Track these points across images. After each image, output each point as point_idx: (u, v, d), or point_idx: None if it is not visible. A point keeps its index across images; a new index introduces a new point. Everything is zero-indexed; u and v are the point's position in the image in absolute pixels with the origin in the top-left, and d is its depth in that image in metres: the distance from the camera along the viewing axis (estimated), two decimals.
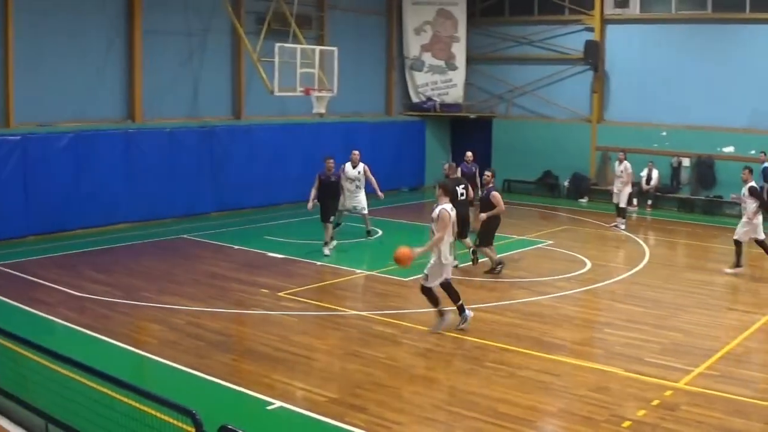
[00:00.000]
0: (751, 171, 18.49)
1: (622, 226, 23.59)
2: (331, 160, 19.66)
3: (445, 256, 13.17)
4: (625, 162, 23.42)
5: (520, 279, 17.33)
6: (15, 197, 19.90)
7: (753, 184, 18.15)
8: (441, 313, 13.35)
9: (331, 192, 19.46)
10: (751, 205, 17.89)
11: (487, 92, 32.90)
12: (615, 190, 23.84)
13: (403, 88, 32.97)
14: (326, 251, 19.18)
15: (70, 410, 8.11)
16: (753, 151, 25.99)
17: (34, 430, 8.64)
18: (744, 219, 18.06)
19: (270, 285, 16.37)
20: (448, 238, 13.21)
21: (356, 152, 20.57)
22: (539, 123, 31.38)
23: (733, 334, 13.51)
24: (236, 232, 21.57)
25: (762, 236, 18.08)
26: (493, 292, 16.31)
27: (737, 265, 18.05)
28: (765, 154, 25.19)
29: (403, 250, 13.10)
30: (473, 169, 22.58)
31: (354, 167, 20.30)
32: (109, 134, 21.97)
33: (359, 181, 20.26)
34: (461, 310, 13.43)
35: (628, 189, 23.78)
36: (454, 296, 13.46)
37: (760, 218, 18.04)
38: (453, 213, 13.25)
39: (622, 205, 23.75)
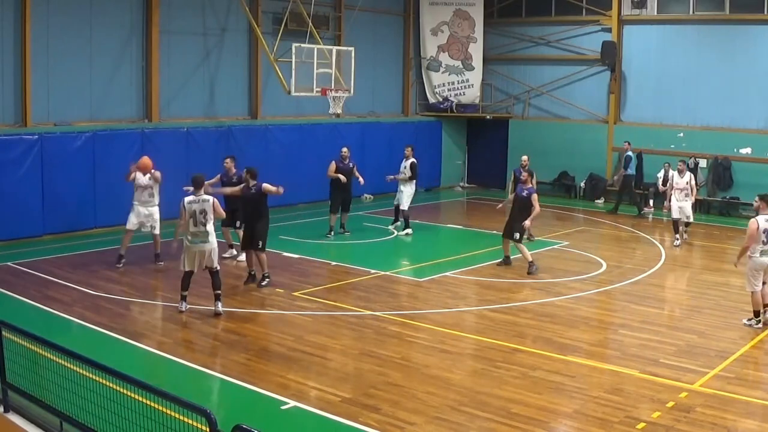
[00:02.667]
0: (413, 148, 22.58)
1: (686, 236, 22.13)
2: (229, 160, 18.59)
3: (187, 240, 14.11)
4: (688, 172, 22.23)
5: (535, 280, 17.30)
6: (32, 197, 20.00)
7: (413, 160, 22.22)
8: (182, 298, 14.33)
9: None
10: (407, 175, 22.10)
11: (504, 93, 32.87)
12: (680, 205, 21.46)
13: (420, 88, 32.97)
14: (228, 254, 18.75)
15: (85, 409, 8.14)
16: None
17: (49, 429, 8.69)
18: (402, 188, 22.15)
19: (285, 285, 16.40)
20: (193, 226, 13.99)
21: (145, 157, 17.90)
22: (556, 124, 31.31)
23: (748, 336, 13.45)
24: None
25: (405, 206, 22.08)
26: (508, 292, 16.30)
27: (406, 226, 22.27)
28: (630, 144, 26.92)
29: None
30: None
31: (144, 174, 17.68)
32: (125, 134, 22.04)
33: (152, 189, 17.84)
34: (216, 298, 14.28)
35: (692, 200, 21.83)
36: (215, 285, 14.29)
37: (411, 189, 22.11)
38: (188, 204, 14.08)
39: (691, 219, 22.11)
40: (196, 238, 13.99)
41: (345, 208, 21.67)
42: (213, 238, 14.18)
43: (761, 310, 13.93)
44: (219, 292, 14.22)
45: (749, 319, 14.05)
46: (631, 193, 27.27)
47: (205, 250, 14.05)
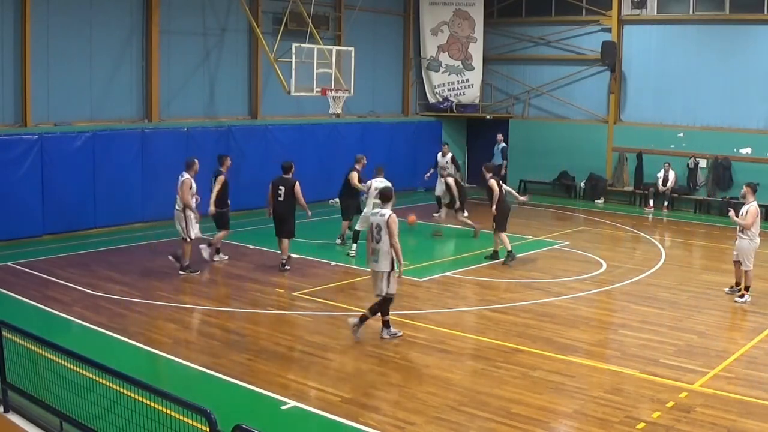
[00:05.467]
0: (448, 146, 25.54)
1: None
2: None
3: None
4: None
5: (535, 280, 17.30)
6: (32, 197, 20.01)
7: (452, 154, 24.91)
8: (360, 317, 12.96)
9: None
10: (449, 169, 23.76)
11: (504, 93, 32.87)
12: None
13: (420, 88, 32.98)
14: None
15: (85, 409, 8.15)
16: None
17: (49, 429, 8.69)
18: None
19: (285, 285, 16.43)
20: (370, 242, 12.77)
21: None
22: (556, 124, 31.31)
23: (748, 336, 13.48)
24: (252, 232, 21.60)
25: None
26: (508, 292, 16.30)
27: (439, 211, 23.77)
28: (502, 136, 29.63)
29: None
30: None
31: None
32: (125, 134, 22.06)
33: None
34: (383, 324, 13.10)
35: None
36: (381, 310, 13.03)
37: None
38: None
39: None
40: (371, 257, 12.76)
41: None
42: (385, 260, 12.59)
43: (734, 286, 16.10)
44: (386, 318, 12.96)
45: (741, 295, 15.72)
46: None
47: (376, 272, 12.74)
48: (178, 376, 11.48)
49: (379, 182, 18.77)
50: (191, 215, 17.03)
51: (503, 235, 18.75)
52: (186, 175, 17.04)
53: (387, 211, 12.70)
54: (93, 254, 19.01)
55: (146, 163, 22.40)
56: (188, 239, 17.09)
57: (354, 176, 20.40)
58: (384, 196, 13.15)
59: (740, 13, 26.71)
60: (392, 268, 12.69)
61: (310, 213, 18.23)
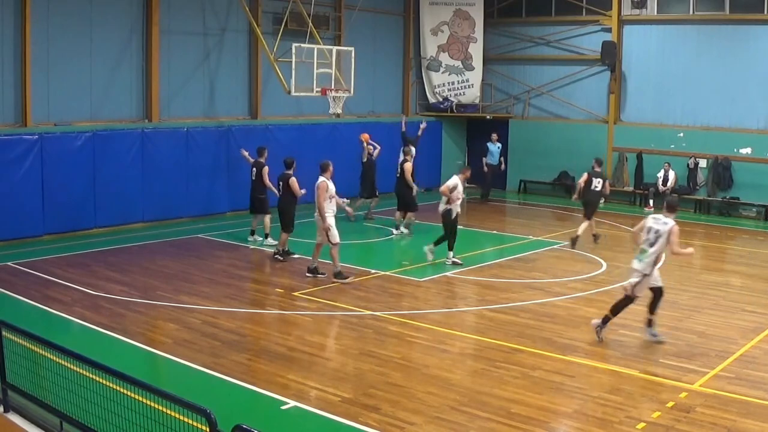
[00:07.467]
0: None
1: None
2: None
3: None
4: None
5: (535, 280, 17.30)
6: (32, 196, 19.99)
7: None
8: (603, 320, 13.20)
9: None
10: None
11: (504, 93, 32.86)
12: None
13: (420, 88, 32.97)
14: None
15: (85, 409, 8.14)
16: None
17: (49, 429, 8.69)
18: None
19: (285, 285, 16.43)
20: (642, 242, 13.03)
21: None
22: (556, 124, 31.31)
23: (748, 335, 13.47)
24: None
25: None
26: (508, 292, 16.29)
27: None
28: (497, 135, 30.16)
29: None
30: None
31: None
32: (125, 134, 22.05)
33: None
34: (647, 323, 13.30)
35: None
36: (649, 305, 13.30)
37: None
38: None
39: None
40: (637, 255, 13.09)
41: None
42: (647, 264, 12.78)
43: None
44: (650, 317, 13.16)
45: None
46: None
47: (635, 269, 12.99)
48: (178, 376, 11.47)
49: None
50: (329, 220, 16.69)
51: (585, 222, 20.89)
52: (321, 178, 16.79)
53: (671, 221, 12.77)
54: (93, 254, 19.01)
55: (146, 163, 22.41)
56: (332, 243, 16.77)
57: (409, 167, 21.60)
58: (670, 207, 13.11)
59: (740, 13, 26.71)
60: (647, 274, 12.84)
61: (303, 191, 18.83)
